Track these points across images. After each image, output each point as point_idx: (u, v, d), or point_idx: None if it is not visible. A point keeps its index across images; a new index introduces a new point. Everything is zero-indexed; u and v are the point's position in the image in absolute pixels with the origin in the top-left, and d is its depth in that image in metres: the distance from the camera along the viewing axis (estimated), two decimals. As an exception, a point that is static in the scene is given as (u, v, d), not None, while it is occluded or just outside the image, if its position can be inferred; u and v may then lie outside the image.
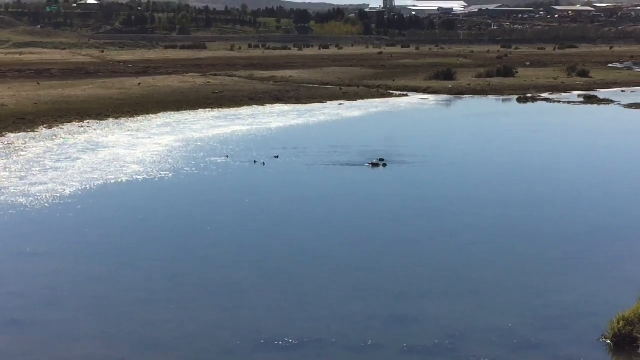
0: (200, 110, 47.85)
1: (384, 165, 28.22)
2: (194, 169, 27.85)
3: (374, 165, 28.22)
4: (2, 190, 23.63)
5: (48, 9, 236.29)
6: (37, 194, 23.08)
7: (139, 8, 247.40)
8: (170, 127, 39.79)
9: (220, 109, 48.48)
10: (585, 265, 16.74)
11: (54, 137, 34.96)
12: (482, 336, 12.91)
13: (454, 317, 13.68)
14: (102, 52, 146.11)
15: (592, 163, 30.12)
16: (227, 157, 30.17)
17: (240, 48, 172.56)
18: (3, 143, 33.07)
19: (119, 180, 25.63)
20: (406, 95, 60.09)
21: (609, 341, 12.50)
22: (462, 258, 17.31)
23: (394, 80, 69.93)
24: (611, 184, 25.66)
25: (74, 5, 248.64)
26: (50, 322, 13.65)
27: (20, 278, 16.00)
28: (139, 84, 61.96)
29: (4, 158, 29.45)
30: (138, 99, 51.54)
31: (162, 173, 26.96)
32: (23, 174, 26.26)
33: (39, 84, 61.18)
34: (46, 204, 21.98)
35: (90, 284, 15.57)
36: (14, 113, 41.60)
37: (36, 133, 36.21)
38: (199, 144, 33.85)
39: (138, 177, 26.28)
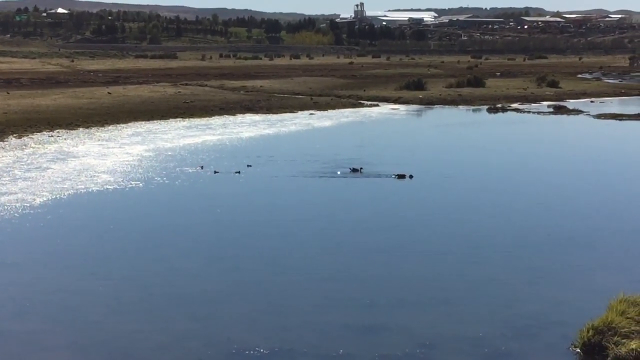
0: (171, 119, 47.77)
1: (410, 177, 27.82)
2: (164, 178, 27.76)
3: (400, 176, 27.81)
4: (-29, 200, 23.46)
5: (17, 18, 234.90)
6: (7, 204, 22.91)
7: (110, 17, 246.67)
8: (141, 136, 39.67)
9: (191, 119, 48.39)
10: (555, 275, 16.85)
11: (24, 147, 34.74)
12: (453, 345, 12.97)
13: (426, 327, 13.74)
14: (72, 61, 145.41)
15: (566, 174, 30.25)
16: (202, 167, 29.96)
17: (211, 58, 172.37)
18: (-28, 152, 32.83)
19: (90, 190, 25.49)
20: (377, 105, 60.29)
21: (578, 350, 12.60)
22: (434, 268, 17.37)
23: (364, 90, 70.16)
24: (586, 195, 25.93)
25: (44, 14, 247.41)
26: (20, 332, 13.55)
27: (-11, 289, 15.89)
28: (110, 93, 61.77)
29: (-28, 168, 29.22)
30: (108, 108, 51.36)
31: (133, 183, 26.85)
32: (-8, 184, 26.06)
33: (8, 93, 60.79)
34: (16, 214, 21.82)
35: (60, 294, 15.47)
36: (-17, 122, 41.32)
37: (5, 142, 35.96)
38: (169, 153, 33.75)
39: (109, 187, 26.14)
